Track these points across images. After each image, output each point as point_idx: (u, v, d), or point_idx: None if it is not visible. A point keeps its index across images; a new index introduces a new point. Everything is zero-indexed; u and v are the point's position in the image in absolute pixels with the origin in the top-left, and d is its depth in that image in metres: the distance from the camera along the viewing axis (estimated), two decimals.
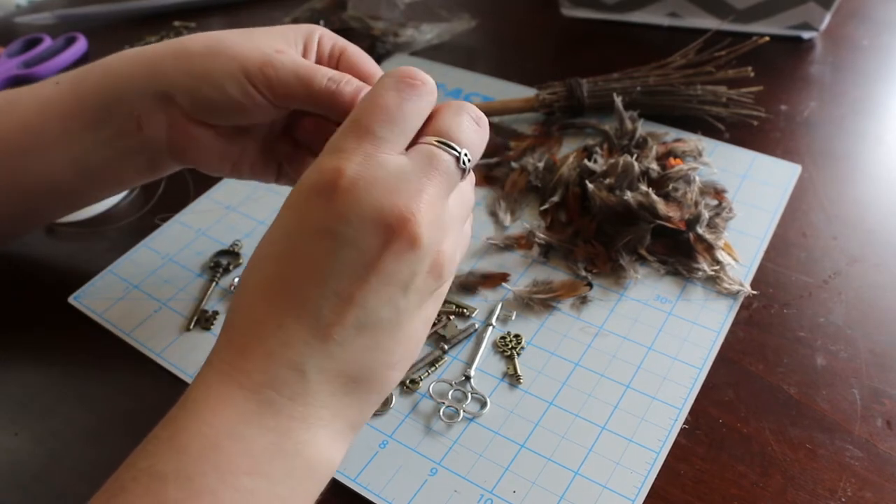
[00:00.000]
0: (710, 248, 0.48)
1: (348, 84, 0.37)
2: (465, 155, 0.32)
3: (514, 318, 0.46)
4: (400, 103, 0.31)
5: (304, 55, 0.41)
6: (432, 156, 0.31)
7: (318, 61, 0.41)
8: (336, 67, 0.41)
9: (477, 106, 0.60)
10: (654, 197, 0.47)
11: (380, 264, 0.29)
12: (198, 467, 0.27)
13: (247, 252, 0.51)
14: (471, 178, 0.35)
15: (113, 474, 0.28)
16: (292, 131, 0.44)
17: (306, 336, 0.29)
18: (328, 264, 0.29)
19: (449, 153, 0.31)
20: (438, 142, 0.31)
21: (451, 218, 0.32)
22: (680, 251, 0.48)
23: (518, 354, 0.44)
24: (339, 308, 0.29)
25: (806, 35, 0.69)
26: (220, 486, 0.27)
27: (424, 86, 0.32)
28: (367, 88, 0.38)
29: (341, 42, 0.42)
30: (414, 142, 0.32)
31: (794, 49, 0.69)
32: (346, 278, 0.29)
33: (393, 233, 0.29)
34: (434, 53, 0.72)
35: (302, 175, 0.30)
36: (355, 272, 0.29)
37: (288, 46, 0.40)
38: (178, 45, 0.40)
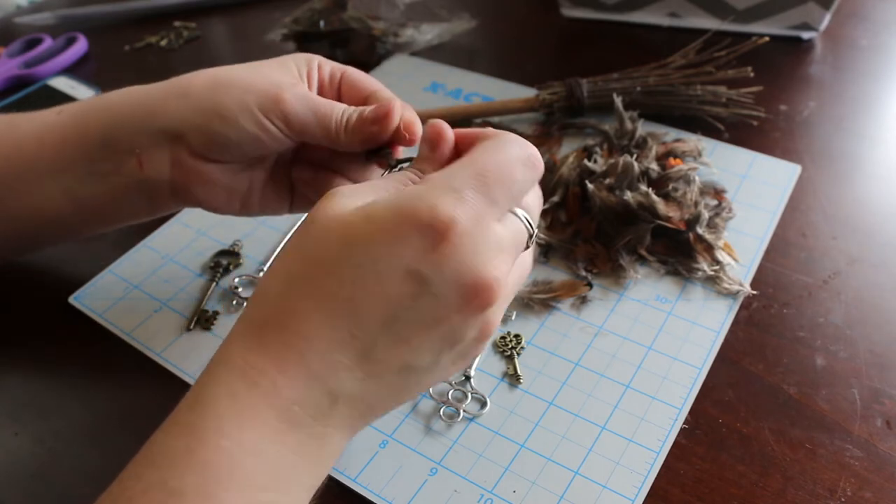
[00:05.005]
0: (709, 248, 0.48)
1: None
2: (533, 240, 0.33)
3: (514, 317, 0.46)
4: (524, 179, 0.31)
5: (308, 82, 0.40)
6: (520, 233, 0.31)
7: (320, 86, 0.41)
8: (338, 88, 0.41)
9: (477, 106, 0.61)
10: (654, 197, 0.48)
11: (449, 321, 0.29)
12: (220, 485, 0.26)
13: (247, 252, 0.51)
14: (532, 252, 0.35)
15: (116, 483, 0.27)
16: (306, 155, 0.43)
17: (352, 366, 0.29)
18: (403, 306, 0.28)
19: (528, 233, 0.32)
20: (526, 220, 0.32)
21: (511, 291, 0.33)
22: (680, 251, 0.48)
23: (518, 354, 0.44)
24: (394, 349, 0.29)
25: (806, 35, 0.69)
26: (238, 502, 0.26)
27: (541, 171, 0.33)
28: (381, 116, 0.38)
29: (339, 66, 0.42)
30: None
31: (793, 49, 0.69)
32: (413, 324, 0.29)
33: (475, 298, 0.29)
34: (434, 53, 0.72)
35: (404, 199, 0.28)
36: (424, 321, 0.29)
37: (294, 78, 0.39)
38: (182, 81, 0.40)
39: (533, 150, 0.32)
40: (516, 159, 0.31)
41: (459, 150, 0.33)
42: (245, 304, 0.47)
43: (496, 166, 0.30)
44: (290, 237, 0.31)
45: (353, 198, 0.30)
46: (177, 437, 0.27)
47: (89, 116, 0.41)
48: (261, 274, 0.49)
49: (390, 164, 0.38)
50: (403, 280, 0.28)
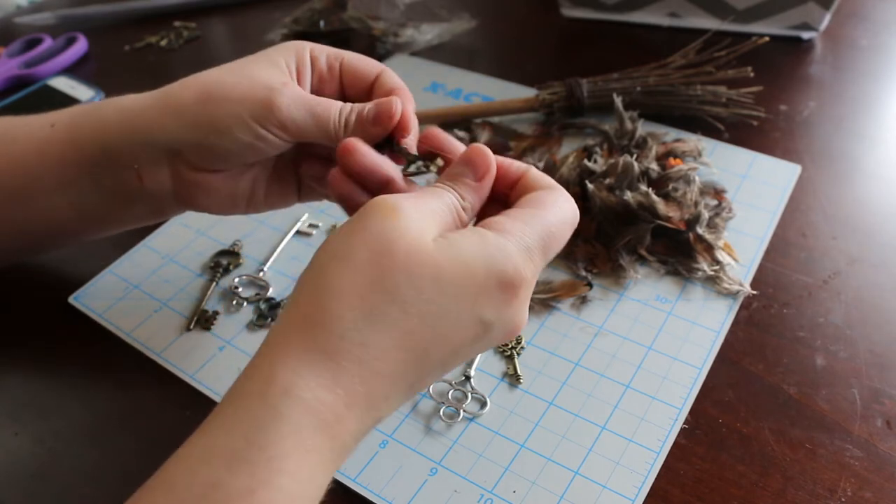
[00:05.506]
0: (709, 248, 0.48)
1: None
2: None
3: None
4: (568, 237, 0.34)
5: (300, 76, 0.39)
6: None
7: (320, 79, 0.40)
8: (339, 77, 0.40)
9: (477, 106, 0.61)
10: (654, 197, 0.47)
11: (484, 349, 0.34)
12: None
13: (247, 252, 0.51)
14: None
15: None
16: (311, 149, 0.42)
17: (403, 394, 0.31)
18: (467, 348, 0.31)
19: None
20: None
21: None
22: (680, 251, 0.48)
23: (518, 354, 0.44)
24: (437, 375, 0.32)
25: (806, 35, 0.69)
26: None
27: None
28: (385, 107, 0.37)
29: (335, 51, 0.41)
30: None
31: (793, 49, 0.69)
32: (461, 357, 0.32)
33: (513, 336, 0.33)
34: (434, 53, 0.72)
35: (493, 254, 0.30)
36: (470, 354, 0.32)
37: (284, 76, 0.38)
38: (173, 94, 0.39)
39: (577, 210, 0.34)
40: (569, 223, 0.34)
41: (499, 183, 0.35)
42: (248, 303, 0.47)
43: (558, 229, 0.33)
44: (348, 244, 0.30)
45: (419, 220, 0.30)
46: (235, 475, 0.26)
47: (83, 131, 0.40)
48: (261, 274, 0.49)
49: (409, 160, 0.37)
50: (475, 326, 0.31)
